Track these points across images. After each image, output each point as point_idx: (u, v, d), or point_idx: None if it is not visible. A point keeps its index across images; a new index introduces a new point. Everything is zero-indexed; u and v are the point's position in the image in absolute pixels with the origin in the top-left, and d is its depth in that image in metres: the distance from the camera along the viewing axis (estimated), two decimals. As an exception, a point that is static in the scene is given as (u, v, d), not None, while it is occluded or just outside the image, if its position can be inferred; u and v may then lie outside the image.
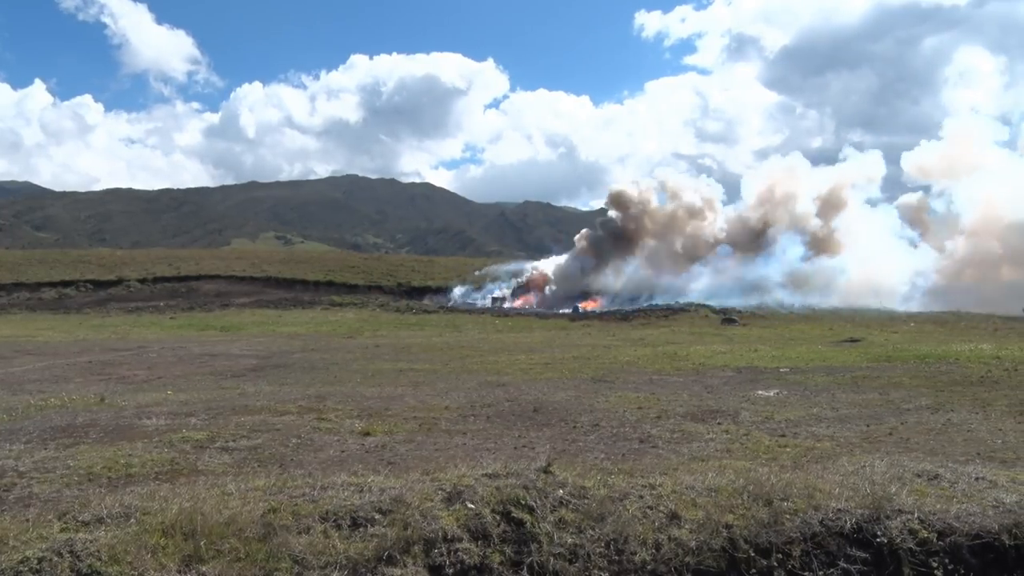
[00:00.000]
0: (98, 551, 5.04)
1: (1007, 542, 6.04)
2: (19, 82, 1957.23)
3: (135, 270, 57.67)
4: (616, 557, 5.64)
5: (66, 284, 52.78)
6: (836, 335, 28.71)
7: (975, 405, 12.40)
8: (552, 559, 5.58)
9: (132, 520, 5.49)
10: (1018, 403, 12.41)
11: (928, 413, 11.79)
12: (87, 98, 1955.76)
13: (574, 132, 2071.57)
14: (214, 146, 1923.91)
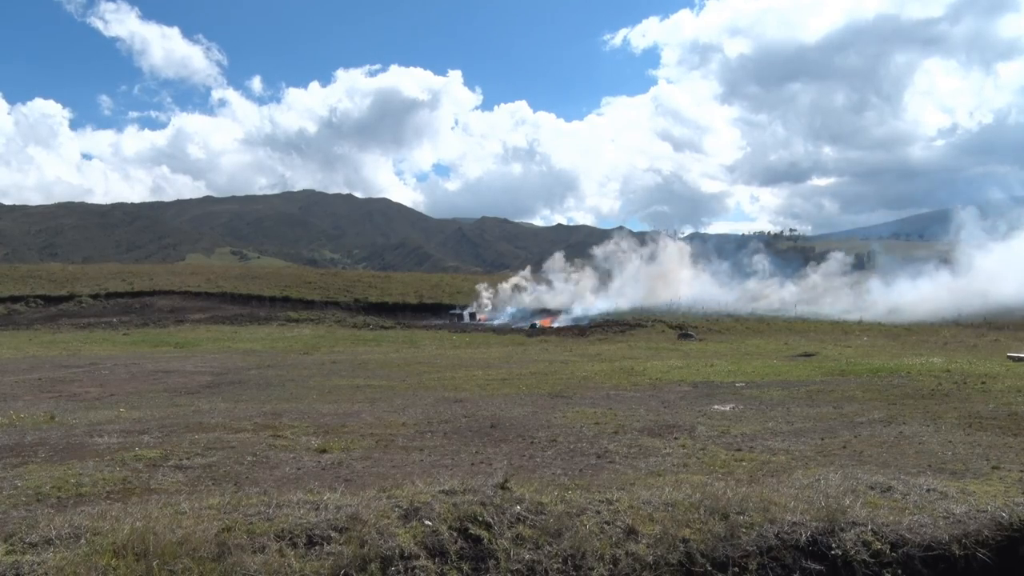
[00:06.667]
0: (46, 574, 4.94)
1: (957, 552, 6.15)
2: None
3: (87, 285, 56.68)
4: (574, 573, 5.64)
5: (15, 299, 51.66)
6: (791, 349, 29.09)
7: (926, 418, 12.61)
8: (510, 575, 5.57)
9: (82, 541, 5.38)
10: (967, 415, 12.64)
11: (881, 426, 11.97)
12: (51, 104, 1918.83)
13: (539, 146, 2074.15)
14: (170, 160, 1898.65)
